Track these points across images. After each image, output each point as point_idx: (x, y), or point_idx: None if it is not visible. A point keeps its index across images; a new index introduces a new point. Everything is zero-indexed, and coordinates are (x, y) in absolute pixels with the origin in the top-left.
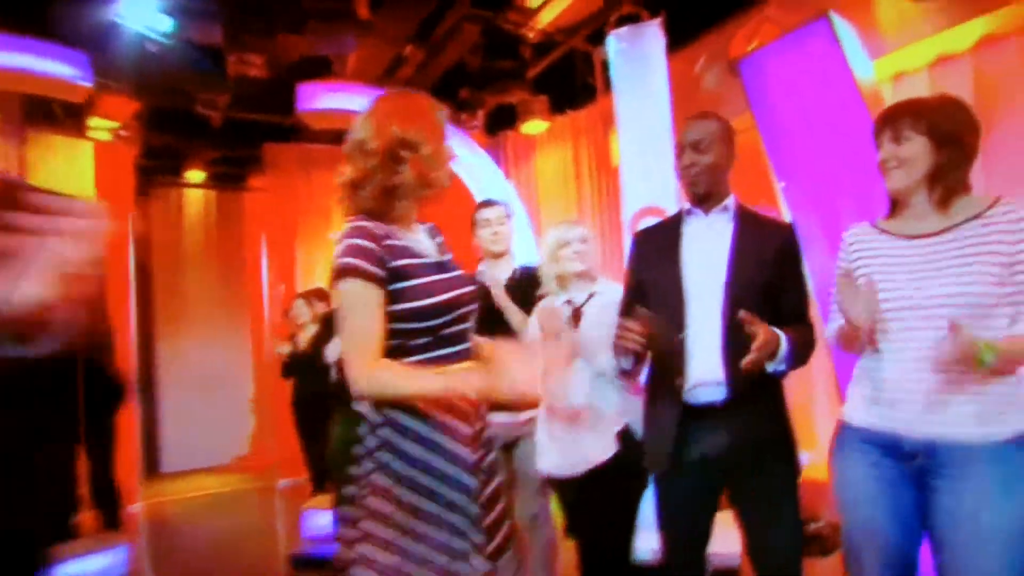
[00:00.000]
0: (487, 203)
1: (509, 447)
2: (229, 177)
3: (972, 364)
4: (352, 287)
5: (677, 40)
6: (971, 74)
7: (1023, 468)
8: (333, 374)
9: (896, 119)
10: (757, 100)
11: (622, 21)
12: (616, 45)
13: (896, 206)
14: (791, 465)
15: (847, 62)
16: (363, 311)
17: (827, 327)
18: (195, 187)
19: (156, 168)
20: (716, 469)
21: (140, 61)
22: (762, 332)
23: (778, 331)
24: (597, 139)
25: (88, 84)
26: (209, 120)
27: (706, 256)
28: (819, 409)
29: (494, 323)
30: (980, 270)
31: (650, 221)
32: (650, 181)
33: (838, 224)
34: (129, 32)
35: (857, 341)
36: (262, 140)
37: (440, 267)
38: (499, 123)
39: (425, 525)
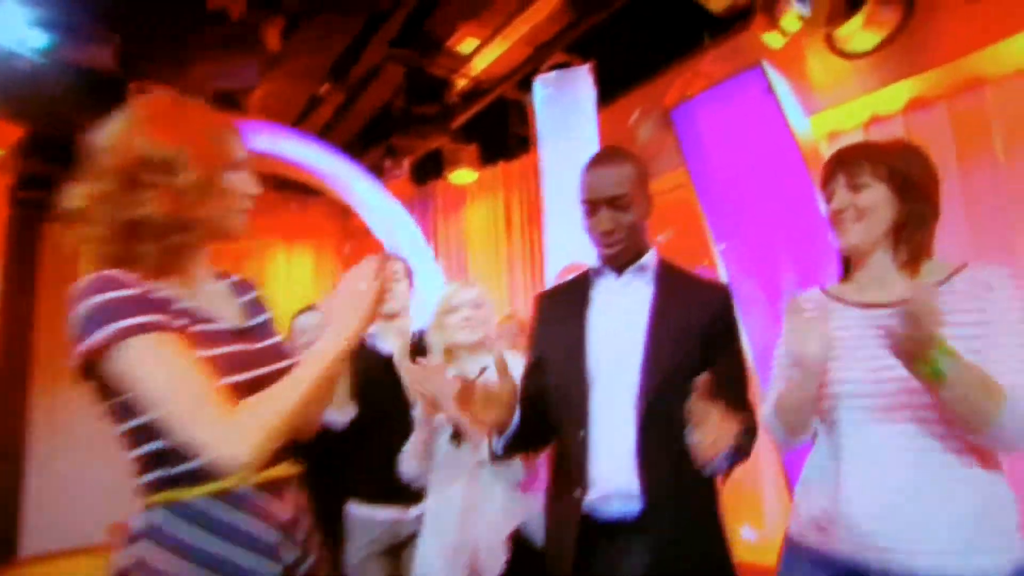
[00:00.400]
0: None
1: (396, 549)
2: None
3: (924, 355)
4: (132, 352)
5: (610, 91)
6: (904, 136)
7: None
8: None
9: (851, 163)
10: (691, 152)
11: (554, 70)
12: (542, 91)
13: (850, 268)
14: None
15: (783, 113)
16: (170, 364)
17: (764, 406)
18: None
19: (44, 202)
20: None
21: (8, 79)
22: (716, 422)
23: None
24: (530, 191)
25: None
26: None
27: (617, 328)
28: (766, 478)
29: (391, 400)
30: None
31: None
32: (577, 235)
33: (780, 289)
34: None
35: (805, 409)
36: None
37: (238, 336)
38: (427, 172)
39: None
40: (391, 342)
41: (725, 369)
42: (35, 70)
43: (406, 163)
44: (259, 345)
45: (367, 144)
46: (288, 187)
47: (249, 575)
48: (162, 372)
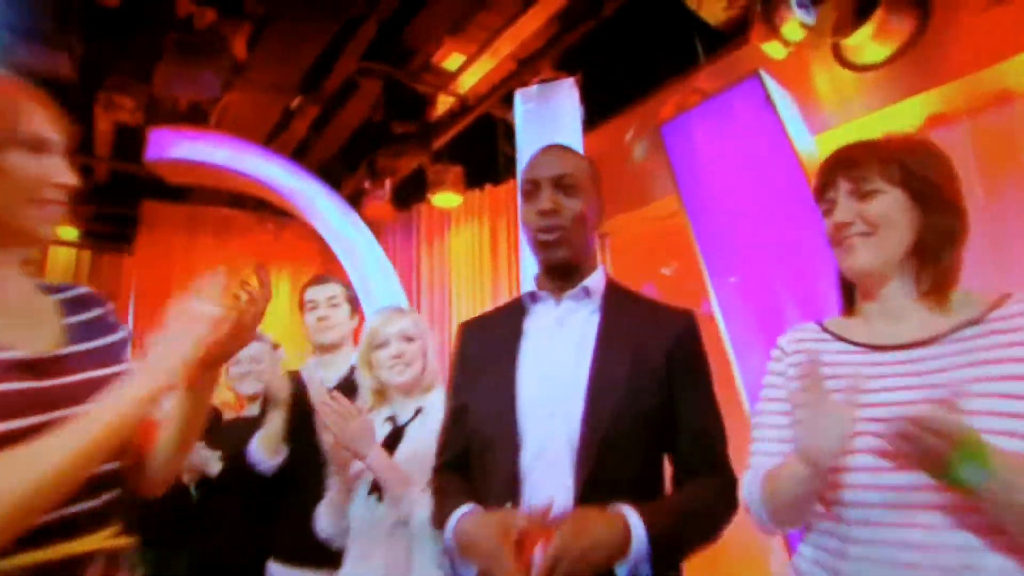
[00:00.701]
0: (316, 280)
1: None
2: (107, 236)
3: (943, 468)
4: None
5: (602, 110)
6: None
7: None
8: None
9: (857, 163)
10: (683, 172)
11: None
12: (523, 106)
13: (854, 298)
14: None
15: (783, 128)
16: None
17: (745, 479)
18: (64, 245)
19: None
20: None
21: None
22: (567, 527)
23: (626, 514)
24: (518, 216)
25: None
26: (90, 170)
27: (554, 369)
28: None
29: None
30: (985, 407)
31: None
32: None
33: (784, 326)
34: None
35: (804, 505)
36: (145, 197)
37: (25, 368)
38: (410, 194)
39: None
40: (332, 376)
41: (690, 419)
42: None
43: (388, 184)
44: (60, 380)
45: (346, 164)
46: (263, 207)
47: None
48: None
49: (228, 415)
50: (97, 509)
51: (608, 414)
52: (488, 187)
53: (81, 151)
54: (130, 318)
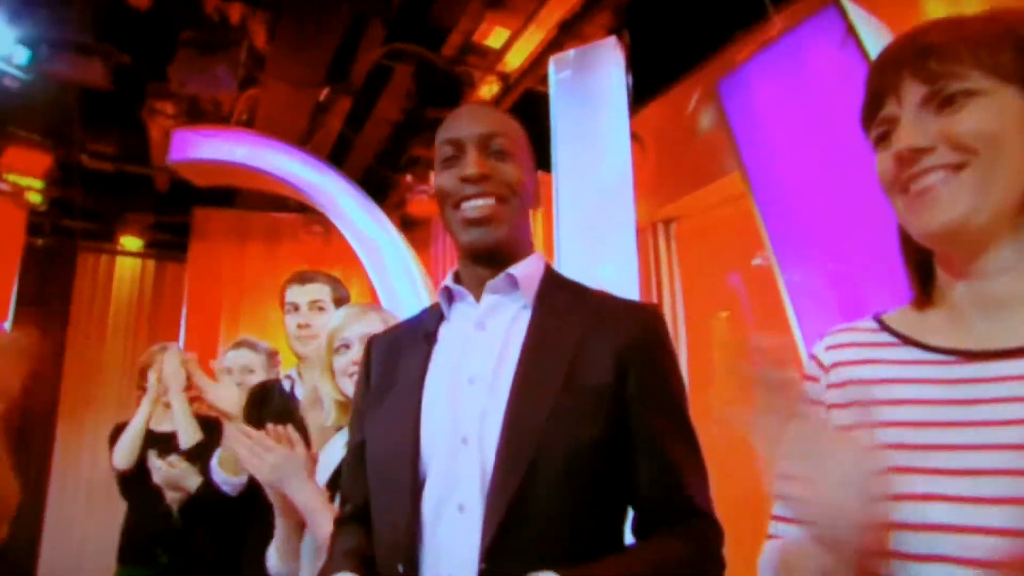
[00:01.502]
0: (298, 278)
1: None
2: (167, 245)
3: None
4: None
5: (662, 78)
6: None
7: None
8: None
9: (935, 51)
10: (743, 133)
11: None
12: (557, 74)
13: (931, 276)
14: None
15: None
16: None
17: (761, 562)
18: (129, 255)
19: (87, 232)
20: None
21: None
22: None
23: None
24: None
25: None
26: (150, 180)
27: (468, 385)
28: None
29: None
30: None
31: None
32: (598, 253)
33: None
34: None
35: None
36: (202, 204)
37: None
38: None
39: None
40: (303, 389)
41: (651, 447)
42: (24, 87)
43: (431, 178)
44: None
45: (387, 158)
46: (310, 209)
47: None
48: None
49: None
50: None
51: (532, 444)
52: (540, 174)
53: (139, 161)
54: (182, 326)
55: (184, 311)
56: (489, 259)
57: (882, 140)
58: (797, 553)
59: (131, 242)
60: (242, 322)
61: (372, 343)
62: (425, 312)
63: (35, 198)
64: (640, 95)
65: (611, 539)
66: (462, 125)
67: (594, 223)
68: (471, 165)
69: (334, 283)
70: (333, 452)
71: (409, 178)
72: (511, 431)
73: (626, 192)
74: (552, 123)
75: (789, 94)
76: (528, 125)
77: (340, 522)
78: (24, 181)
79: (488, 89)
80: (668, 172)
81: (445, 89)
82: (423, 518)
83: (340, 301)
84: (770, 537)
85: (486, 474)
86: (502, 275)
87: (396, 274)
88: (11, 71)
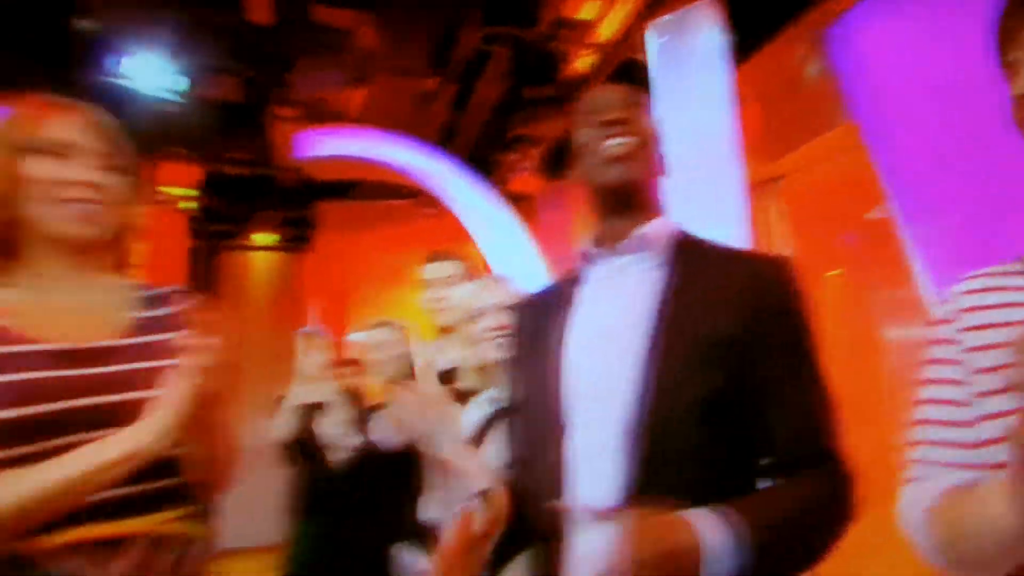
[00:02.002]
0: (433, 256)
1: None
2: (295, 239)
3: None
4: None
5: (766, 30)
6: None
7: None
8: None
9: None
10: (854, 83)
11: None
12: (657, 40)
13: None
14: None
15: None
16: None
17: (903, 502)
18: (261, 249)
19: (224, 232)
20: None
21: (160, 123)
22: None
23: (693, 519)
24: None
25: None
26: (275, 181)
27: (605, 338)
28: None
29: None
30: None
31: None
32: (708, 216)
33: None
34: (142, 95)
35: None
36: (324, 198)
37: (61, 358)
38: (560, 162)
39: None
40: (451, 357)
41: (783, 397)
42: (179, 110)
43: (533, 155)
44: (100, 370)
45: (490, 139)
46: (421, 193)
47: None
48: None
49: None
50: (148, 493)
51: (667, 392)
52: None
53: (265, 164)
54: (312, 310)
55: (312, 296)
56: (624, 203)
57: (1014, 69)
58: (973, 504)
59: (262, 238)
60: (366, 302)
61: (519, 308)
62: (563, 276)
63: (189, 205)
64: (741, 51)
65: (743, 483)
66: (600, 93)
67: (702, 187)
68: (614, 111)
69: (463, 260)
70: (471, 413)
71: (511, 157)
72: (646, 382)
73: (732, 152)
74: (653, 89)
75: (898, 38)
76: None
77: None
78: (178, 191)
79: (583, 62)
80: (774, 128)
81: (541, 67)
82: (569, 460)
83: (469, 276)
84: (908, 482)
85: (624, 422)
86: (633, 235)
87: (506, 247)
88: (172, 98)
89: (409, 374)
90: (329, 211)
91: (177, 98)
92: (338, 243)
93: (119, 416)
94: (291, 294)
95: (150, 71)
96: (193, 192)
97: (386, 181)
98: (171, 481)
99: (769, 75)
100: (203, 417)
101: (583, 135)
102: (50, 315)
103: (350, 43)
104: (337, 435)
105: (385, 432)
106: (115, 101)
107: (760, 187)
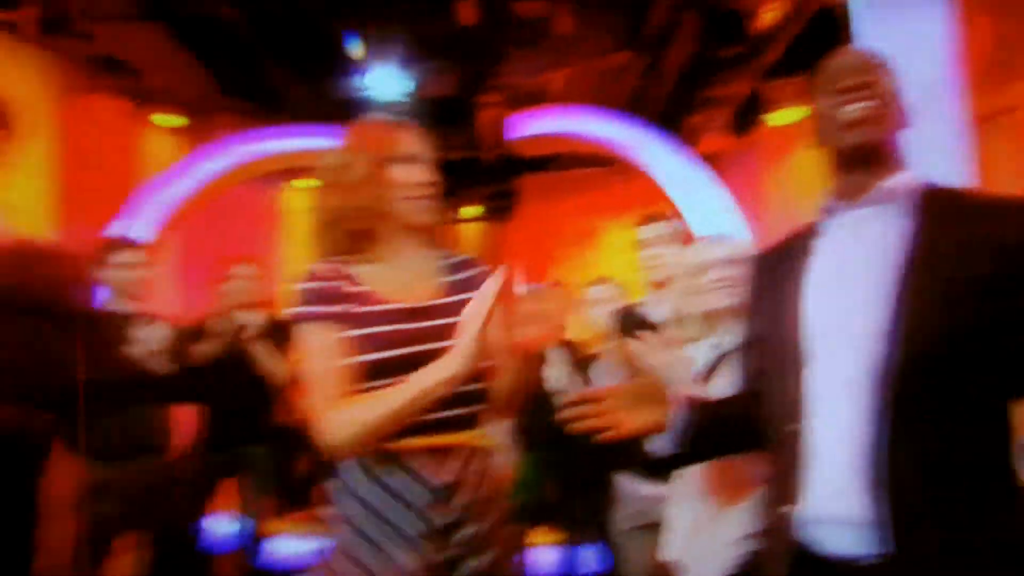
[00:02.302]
0: (646, 218)
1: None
2: (498, 210)
3: None
4: (303, 333)
5: None
6: None
7: None
8: None
9: None
10: None
11: None
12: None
13: None
14: None
15: None
16: (315, 352)
17: None
18: (469, 221)
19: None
20: None
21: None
22: None
23: None
24: None
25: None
26: (480, 162)
27: (847, 280)
28: None
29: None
30: None
31: None
32: (926, 159)
33: None
34: (377, 100)
35: None
36: (525, 172)
37: (408, 315)
38: (749, 118)
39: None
40: (661, 310)
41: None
42: (407, 109)
43: (720, 114)
44: (431, 323)
45: (679, 103)
46: (613, 160)
47: (396, 527)
48: (310, 357)
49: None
50: (464, 416)
51: (916, 329)
52: None
53: (469, 146)
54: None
55: (515, 260)
56: (865, 161)
57: None
58: None
59: (469, 211)
60: (565, 264)
61: (756, 258)
62: (799, 229)
63: None
64: None
65: (989, 419)
66: (839, 60)
67: (919, 125)
68: (849, 77)
69: (674, 220)
70: (696, 357)
71: (701, 117)
72: (895, 319)
73: (954, 85)
74: (856, 33)
75: None
76: (827, 42)
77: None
78: None
79: (772, 15)
80: (1002, 56)
81: (729, 27)
82: (808, 393)
83: (680, 234)
84: None
85: (870, 358)
86: (877, 187)
87: (702, 204)
88: (401, 100)
89: (627, 326)
90: (529, 183)
91: (405, 99)
92: (538, 211)
93: (434, 358)
94: (497, 259)
95: (385, 81)
96: None
97: (580, 152)
98: (479, 407)
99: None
100: (495, 343)
101: (822, 102)
102: (397, 281)
103: (548, 32)
104: (560, 382)
105: (607, 378)
106: (361, 107)
107: (983, 121)
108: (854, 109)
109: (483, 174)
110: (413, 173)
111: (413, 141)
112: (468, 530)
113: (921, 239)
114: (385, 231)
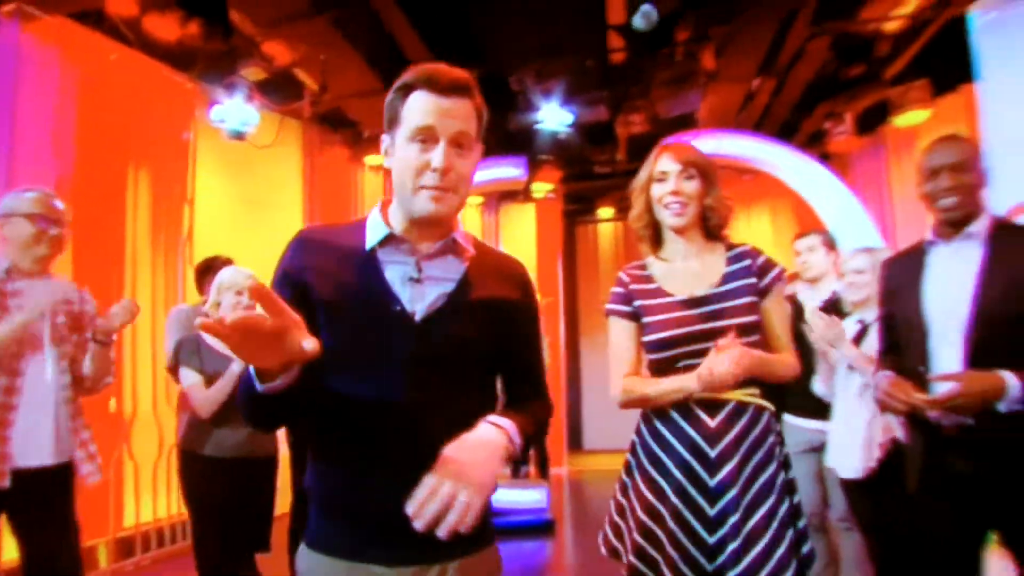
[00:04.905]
0: (799, 235)
1: (817, 450)
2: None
3: None
4: (610, 323)
5: None
6: None
7: None
8: None
9: None
10: None
11: None
12: (982, 19)
13: None
14: None
15: None
16: (612, 337)
17: None
18: (606, 221)
19: (578, 211)
20: (975, 496)
21: (557, 146)
22: (963, 382)
23: (1003, 375)
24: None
25: (524, 177)
26: (613, 170)
27: (948, 289)
28: None
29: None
30: None
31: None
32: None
33: None
34: (546, 131)
35: None
36: None
37: (684, 304)
38: (874, 119)
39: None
40: (810, 299)
41: None
42: (568, 137)
43: (847, 120)
44: (700, 310)
45: (803, 115)
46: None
47: (672, 454)
48: (611, 340)
49: None
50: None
51: (985, 320)
52: (961, 88)
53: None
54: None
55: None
56: (955, 224)
57: None
58: None
59: (605, 212)
60: None
61: (886, 267)
62: (912, 249)
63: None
64: None
65: None
66: (933, 158)
67: (1015, 139)
68: (945, 178)
69: (822, 232)
70: (848, 328)
71: (828, 125)
72: (976, 314)
73: None
74: (979, 62)
75: None
76: (950, 45)
77: (882, 353)
78: (543, 188)
79: (895, 27)
80: None
81: (857, 50)
82: (929, 349)
83: (828, 243)
84: None
85: (962, 327)
86: (964, 232)
87: (837, 210)
88: (564, 129)
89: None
90: None
91: (567, 128)
92: None
93: (714, 336)
94: (632, 253)
95: (553, 113)
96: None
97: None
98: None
99: None
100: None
101: (926, 186)
102: (678, 276)
103: (694, 66)
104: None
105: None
106: (535, 136)
107: None
108: (951, 203)
109: (620, 180)
110: (664, 188)
111: (668, 159)
112: (726, 471)
113: (991, 263)
114: (664, 235)
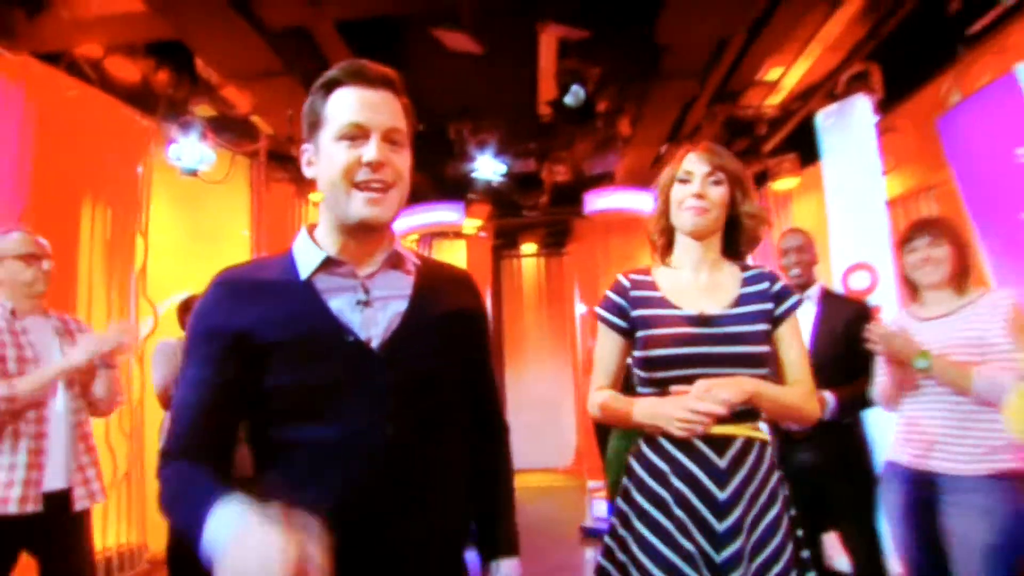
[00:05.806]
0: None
1: None
2: (552, 246)
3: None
4: (598, 327)
5: (902, 89)
6: None
7: None
8: None
9: None
10: (954, 154)
11: (853, 79)
12: (824, 121)
13: None
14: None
15: None
16: (599, 344)
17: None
18: (529, 257)
19: (504, 246)
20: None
21: (489, 192)
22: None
23: (824, 394)
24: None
25: (462, 220)
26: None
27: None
28: None
29: None
30: None
31: (861, 276)
32: (860, 240)
33: None
34: (481, 179)
35: None
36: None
37: (690, 321)
38: (757, 182)
39: (652, 533)
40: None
41: (852, 356)
42: (500, 184)
43: None
44: (709, 330)
45: None
46: None
47: (677, 499)
48: (597, 346)
49: None
50: (743, 412)
51: (821, 351)
52: (819, 163)
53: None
54: (576, 302)
55: (576, 292)
56: (801, 288)
57: None
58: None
59: (528, 247)
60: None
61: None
62: None
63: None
64: (899, 92)
65: None
66: (786, 242)
67: (851, 210)
68: (790, 258)
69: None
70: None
71: None
72: (813, 346)
73: (877, 190)
74: (823, 151)
75: (984, 128)
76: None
77: None
78: (475, 224)
79: (768, 108)
80: (928, 148)
81: (741, 127)
82: None
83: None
84: None
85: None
86: (805, 295)
87: None
88: (497, 179)
89: None
90: (580, 225)
91: (500, 177)
92: (588, 247)
93: (724, 362)
94: (554, 286)
95: (487, 164)
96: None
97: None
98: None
99: (922, 112)
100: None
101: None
102: (686, 289)
103: (612, 132)
104: None
105: None
106: (470, 183)
107: (916, 196)
108: (796, 273)
109: (540, 222)
110: (687, 189)
111: (693, 161)
112: (734, 517)
113: (821, 318)
114: (676, 243)
